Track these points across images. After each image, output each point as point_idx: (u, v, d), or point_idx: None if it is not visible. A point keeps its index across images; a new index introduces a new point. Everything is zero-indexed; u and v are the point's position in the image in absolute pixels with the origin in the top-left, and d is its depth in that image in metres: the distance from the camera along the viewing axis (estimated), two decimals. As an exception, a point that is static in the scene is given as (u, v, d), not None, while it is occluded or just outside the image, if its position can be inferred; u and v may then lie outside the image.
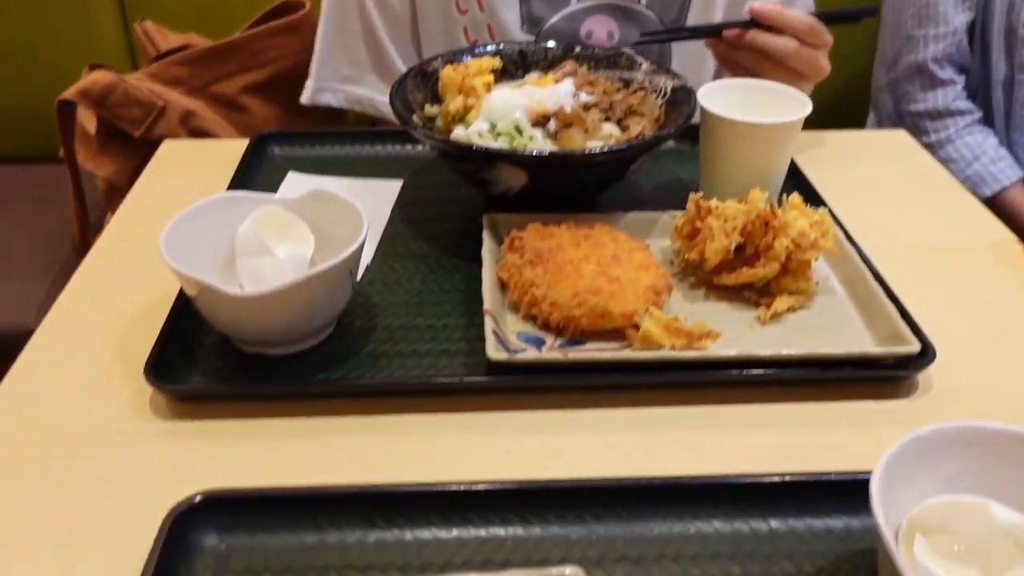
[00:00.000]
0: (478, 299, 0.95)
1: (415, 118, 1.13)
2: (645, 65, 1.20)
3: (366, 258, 1.07)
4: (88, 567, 0.71)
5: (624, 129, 1.12)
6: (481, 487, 0.75)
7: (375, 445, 0.83)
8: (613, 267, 0.94)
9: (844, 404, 0.88)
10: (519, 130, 1.07)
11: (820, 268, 1.02)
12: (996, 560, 0.66)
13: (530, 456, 0.82)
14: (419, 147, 1.32)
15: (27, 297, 1.78)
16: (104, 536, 0.74)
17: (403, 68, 1.46)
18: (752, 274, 0.95)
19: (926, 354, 0.89)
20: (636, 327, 0.90)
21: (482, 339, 0.89)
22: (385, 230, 1.14)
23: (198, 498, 0.73)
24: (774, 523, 0.75)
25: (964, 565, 0.66)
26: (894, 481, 0.65)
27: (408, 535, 0.73)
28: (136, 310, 1.00)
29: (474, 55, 1.20)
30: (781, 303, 0.95)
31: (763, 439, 0.84)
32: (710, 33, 1.25)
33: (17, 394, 0.89)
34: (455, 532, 0.74)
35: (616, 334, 0.91)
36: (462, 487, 0.75)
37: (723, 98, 1.11)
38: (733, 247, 0.95)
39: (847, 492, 0.75)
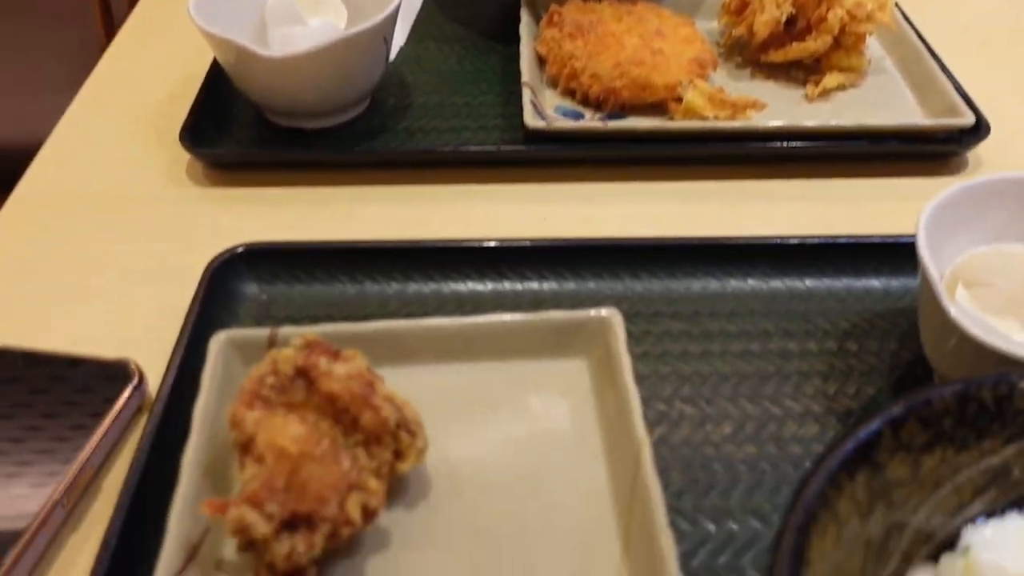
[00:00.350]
0: (515, 79, 0.92)
1: None
2: None
3: (399, 39, 1.04)
4: (138, 312, 0.73)
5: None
6: (517, 243, 0.75)
7: (411, 213, 0.83)
8: (656, 40, 0.91)
9: (891, 180, 0.86)
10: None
11: (874, 48, 0.97)
12: (1036, 311, 0.66)
13: (567, 223, 0.82)
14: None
15: (57, 109, 1.78)
16: (151, 286, 0.76)
17: None
18: (802, 48, 0.91)
19: (979, 129, 0.86)
20: (679, 100, 0.87)
21: (519, 116, 0.87)
22: (419, 12, 1.10)
23: (240, 249, 0.74)
24: (810, 282, 0.74)
25: (1004, 317, 0.66)
26: (941, 229, 0.64)
27: (445, 289, 0.74)
28: (167, 87, 0.99)
29: None
30: (831, 80, 0.91)
31: (805, 212, 0.83)
32: None
33: (54, 165, 0.89)
34: (490, 286, 0.74)
35: (658, 108, 0.89)
36: (498, 243, 0.75)
37: None
38: (784, 18, 0.90)
39: (888, 254, 0.74)
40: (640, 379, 0.66)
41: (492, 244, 0.75)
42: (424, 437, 0.56)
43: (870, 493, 0.44)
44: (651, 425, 0.63)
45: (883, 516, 0.45)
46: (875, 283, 0.74)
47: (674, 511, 0.58)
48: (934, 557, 0.47)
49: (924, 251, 0.60)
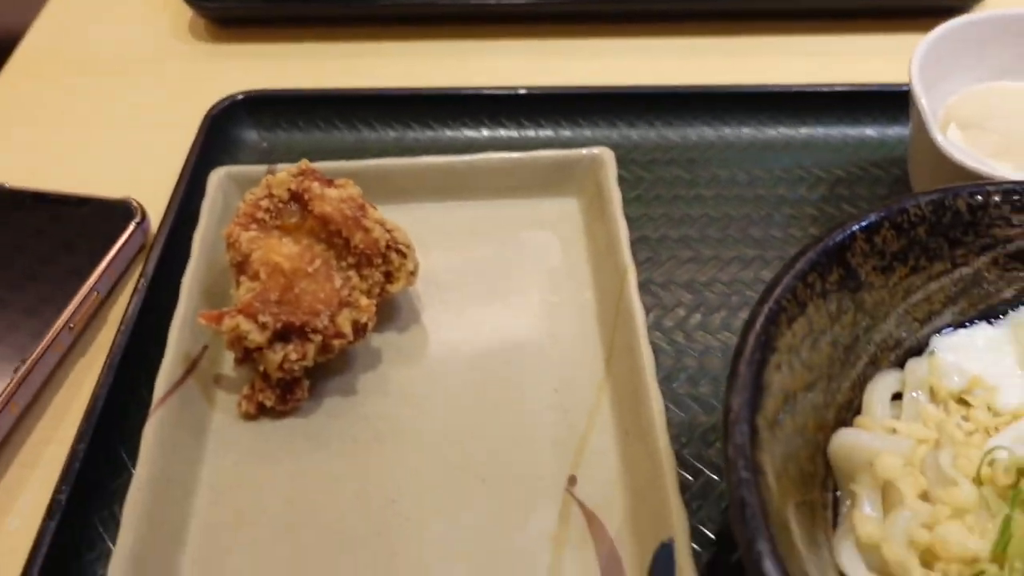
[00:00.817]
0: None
1: None
2: None
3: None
4: (142, 158, 0.74)
5: None
6: (514, 91, 0.75)
7: (412, 67, 0.83)
8: None
9: (894, 36, 0.85)
10: None
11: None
12: (1031, 153, 0.66)
13: (565, 74, 0.81)
14: None
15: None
16: (155, 133, 0.76)
17: None
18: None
19: (989, -18, 0.84)
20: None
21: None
22: None
23: (239, 96, 0.75)
24: (805, 131, 0.74)
25: (998, 160, 0.66)
26: (939, 64, 0.63)
27: (443, 136, 0.75)
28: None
29: None
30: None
31: (806, 66, 0.82)
32: None
33: (59, 22, 0.89)
34: (487, 133, 0.75)
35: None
36: (495, 91, 0.75)
37: None
38: None
39: (885, 103, 0.74)
40: (631, 221, 0.67)
41: (489, 92, 0.75)
42: (415, 259, 0.57)
43: (841, 294, 0.45)
44: (638, 260, 0.64)
45: (853, 318, 0.46)
46: (871, 132, 0.74)
47: (657, 331, 0.60)
48: (901, 364, 0.48)
49: (916, 80, 0.59)
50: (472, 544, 0.48)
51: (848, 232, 0.46)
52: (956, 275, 0.49)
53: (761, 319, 0.42)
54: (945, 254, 0.48)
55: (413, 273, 0.57)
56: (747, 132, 0.74)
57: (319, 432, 0.53)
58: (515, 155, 0.66)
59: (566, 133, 0.75)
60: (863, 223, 0.46)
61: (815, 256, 0.44)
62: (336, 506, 0.50)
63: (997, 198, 0.48)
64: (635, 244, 0.66)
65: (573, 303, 0.60)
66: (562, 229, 0.65)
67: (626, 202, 0.67)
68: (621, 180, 0.69)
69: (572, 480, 0.51)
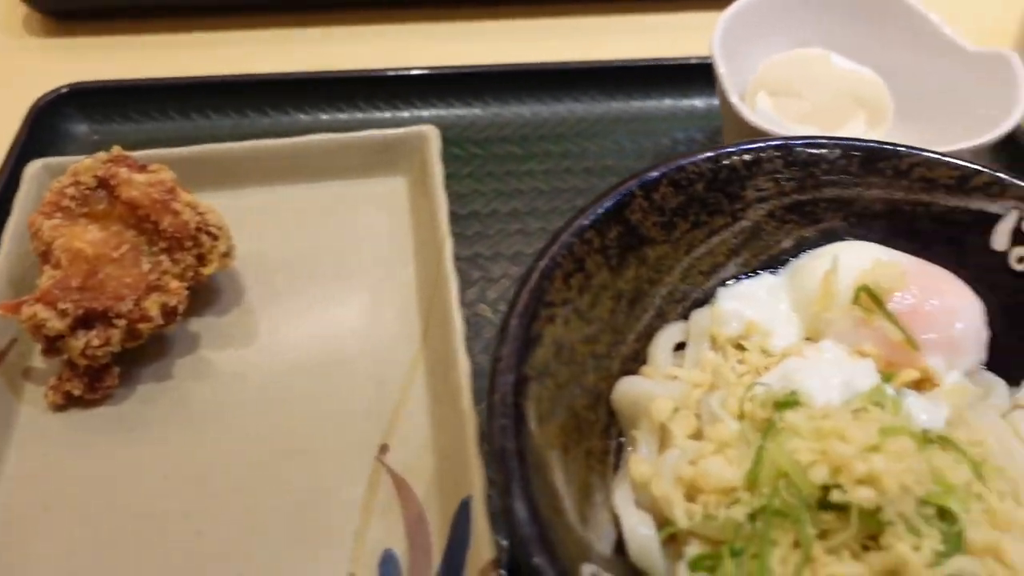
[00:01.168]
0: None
1: None
2: None
3: None
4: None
5: None
6: (347, 74, 0.75)
7: (248, 54, 0.82)
8: None
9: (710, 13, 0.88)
10: None
11: None
12: (836, 117, 0.69)
13: (400, 57, 0.81)
14: None
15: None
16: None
17: None
18: None
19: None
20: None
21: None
22: None
23: (64, 89, 0.73)
24: (637, 105, 0.77)
25: (806, 124, 0.69)
26: (745, 33, 0.66)
27: (281, 121, 0.74)
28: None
29: None
30: None
31: (630, 43, 0.84)
32: None
33: None
34: (323, 117, 0.75)
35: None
36: (330, 74, 0.75)
37: None
38: None
39: (708, 75, 0.76)
40: (463, 197, 0.68)
41: (324, 76, 0.75)
42: (228, 241, 0.57)
43: (622, 249, 0.47)
44: (468, 234, 0.66)
45: (636, 273, 0.48)
46: (697, 103, 0.77)
47: (482, 303, 0.61)
48: (688, 317, 0.50)
49: (717, 51, 0.62)
50: (280, 518, 0.48)
51: (627, 190, 0.47)
52: (736, 228, 0.51)
53: (535, 275, 0.43)
54: (724, 208, 0.50)
55: (227, 255, 0.57)
56: (580, 108, 0.76)
57: (130, 418, 0.53)
58: (342, 136, 0.66)
59: (403, 114, 0.75)
60: (641, 181, 0.48)
61: (594, 214, 0.46)
62: (143, 489, 0.49)
63: (769, 154, 0.50)
64: (465, 219, 0.67)
65: (396, 279, 0.60)
66: (390, 207, 0.65)
67: (458, 179, 0.69)
68: (455, 158, 0.70)
69: (384, 448, 0.51)
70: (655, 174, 0.48)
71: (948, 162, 0.50)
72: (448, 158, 0.70)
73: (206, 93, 0.75)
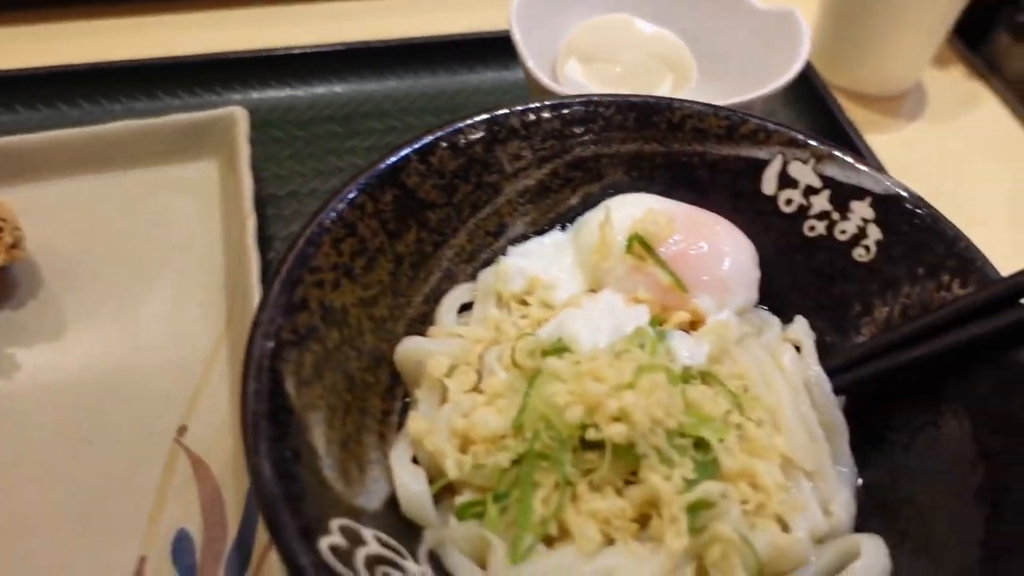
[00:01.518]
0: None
1: None
2: None
3: None
4: None
5: None
6: (176, 60, 0.74)
7: (56, 46, 0.80)
8: None
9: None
10: None
11: None
12: (647, 80, 0.71)
13: (217, 42, 0.80)
14: None
15: None
16: None
17: None
18: None
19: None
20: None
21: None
22: None
23: None
24: (461, 79, 0.77)
25: (619, 88, 0.70)
26: (546, 6, 0.67)
27: (95, 112, 0.73)
28: None
29: None
30: None
31: (446, 18, 0.84)
32: None
33: None
34: (139, 106, 0.73)
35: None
36: (132, 62, 0.74)
37: None
38: None
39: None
40: (282, 179, 0.68)
41: (141, 63, 0.74)
42: (14, 232, 0.55)
43: (400, 213, 0.47)
44: (284, 214, 0.65)
45: (417, 235, 0.48)
46: (521, 76, 0.77)
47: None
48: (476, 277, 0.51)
49: (515, 19, 0.63)
50: (72, 507, 0.47)
51: (401, 155, 0.48)
52: (520, 187, 0.52)
53: (301, 241, 0.43)
54: (505, 169, 0.51)
55: (15, 247, 0.55)
56: (404, 84, 0.76)
57: (-87, 418, 0.51)
58: (147, 122, 0.65)
59: (223, 98, 0.74)
60: (416, 145, 0.48)
61: (365, 180, 0.46)
62: (-75, 490, 0.48)
63: (547, 114, 0.51)
64: (283, 199, 0.67)
65: (203, 262, 0.60)
66: (200, 192, 0.64)
67: (278, 160, 0.68)
68: (275, 140, 0.70)
69: (182, 430, 0.51)
70: (429, 138, 0.49)
71: (717, 113, 0.52)
72: (268, 141, 0.71)
73: (12, 86, 0.72)
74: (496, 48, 0.78)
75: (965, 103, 0.85)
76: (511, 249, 0.52)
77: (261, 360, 0.39)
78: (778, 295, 0.52)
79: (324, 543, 0.34)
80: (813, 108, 0.77)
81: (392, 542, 0.39)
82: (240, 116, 0.65)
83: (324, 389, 0.41)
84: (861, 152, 0.72)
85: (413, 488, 0.41)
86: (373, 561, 0.36)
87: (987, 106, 0.85)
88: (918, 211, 0.47)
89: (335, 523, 0.36)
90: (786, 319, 0.51)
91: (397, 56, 0.77)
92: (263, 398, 0.37)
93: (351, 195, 0.45)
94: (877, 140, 0.76)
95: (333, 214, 0.45)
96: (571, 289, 0.49)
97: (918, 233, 0.47)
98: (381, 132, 0.73)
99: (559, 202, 0.53)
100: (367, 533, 0.38)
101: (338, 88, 0.75)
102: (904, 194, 0.48)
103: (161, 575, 0.45)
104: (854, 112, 0.79)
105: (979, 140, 0.81)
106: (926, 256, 0.47)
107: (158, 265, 0.60)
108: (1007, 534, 0.40)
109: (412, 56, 0.77)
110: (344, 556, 0.35)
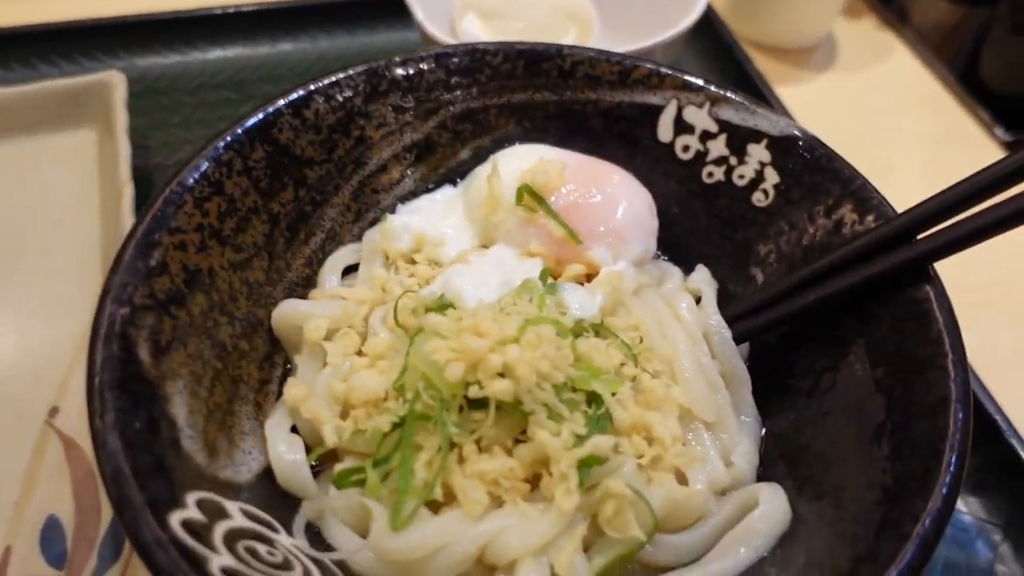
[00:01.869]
0: None
1: None
2: None
3: None
4: None
5: None
6: (40, 27, 0.70)
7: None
8: None
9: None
10: None
11: None
12: (551, 34, 0.68)
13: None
14: None
15: None
16: None
17: None
18: None
19: None
20: None
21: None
22: None
23: None
24: (359, 40, 0.74)
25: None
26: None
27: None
28: None
29: None
30: None
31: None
32: None
33: None
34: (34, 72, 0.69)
35: None
36: (8, 29, 0.70)
37: None
38: None
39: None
40: (170, 147, 0.65)
41: (24, 30, 0.69)
42: None
43: (273, 170, 0.44)
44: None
45: (294, 194, 0.45)
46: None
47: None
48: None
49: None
50: (-72, 500, 0.44)
51: (272, 109, 0.45)
52: (407, 141, 0.49)
53: (159, 202, 0.40)
54: (389, 122, 0.48)
55: None
56: (300, 48, 0.73)
57: None
58: (19, 89, 0.61)
59: (97, 65, 0.70)
60: (288, 98, 0.46)
61: (232, 136, 0.43)
62: None
63: (430, 64, 0.49)
64: (171, 169, 0.63)
65: (79, 234, 0.56)
66: (77, 162, 0.61)
67: (166, 128, 0.65)
68: (163, 108, 0.66)
69: (54, 411, 0.48)
70: (302, 91, 0.46)
71: (609, 58, 0.50)
72: (156, 108, 0.67)
73: None
74: (397, 9, 0.74)
75: (876, 54, 0.84)
76: (400, 207, 0.49)
77: (111, 327, 0.36)
78: (680, 244, 0.50)
79: (176, 518, 0.32)
80: (721, 60, 0.76)
81: (262, 515, 0.36)
82: (117, 80, 0.61)
83: (188, 357, 0.38)
84: (771, 103, 0.71)
85: (287, 457, 0.39)
86: (236, 535, 0.34)
87: (898, 56, 0.85)
88: (814, 152, 0.46)
89: (192, 496, 0.33)
90: (688, 269, 0.49)
91: (295, 18, 0.74)
92: (112, 366, 0.35)
93: (216, 152, 0.42)
94: (788, 91, 0.75)
95: (196, 173, 0.42)
96: (461, 245, 0.47)
97: (814, 174, 0.46)
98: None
99: (449, 156, 0.51)
100: (232, 507, 0.35)
101: (230, 53, 0.72)
102: (799, 134, 0.46)
103: (28, 565, 0.42)
104: (765, 64, 0.78)
105: (890, 90, 0.81)
106: (822, 197, 0.45)
107: (32, 240, 0.56)
108: (905, 473, 0.39)
109: (309, 18, 0.74)
110: (199, 531, 0.32)
